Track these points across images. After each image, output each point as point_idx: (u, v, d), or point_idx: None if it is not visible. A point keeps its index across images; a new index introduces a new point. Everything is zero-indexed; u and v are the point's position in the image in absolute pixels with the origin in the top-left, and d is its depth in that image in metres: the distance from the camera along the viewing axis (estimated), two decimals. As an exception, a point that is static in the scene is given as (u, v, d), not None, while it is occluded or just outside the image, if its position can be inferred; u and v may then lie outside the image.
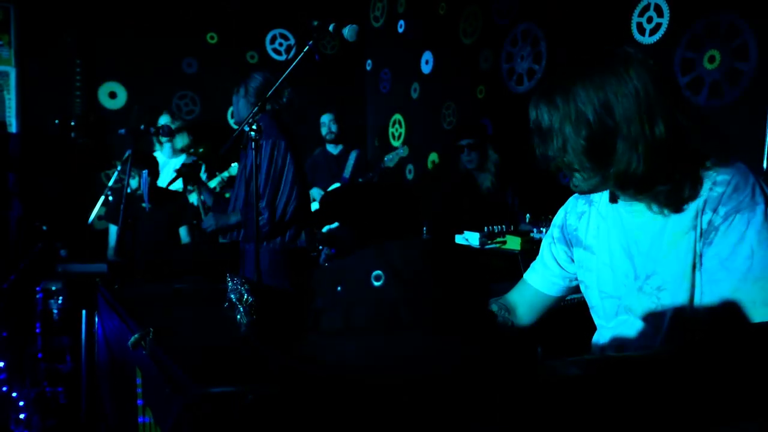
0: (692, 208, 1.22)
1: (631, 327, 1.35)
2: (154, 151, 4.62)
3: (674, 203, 1.22)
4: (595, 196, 1.43)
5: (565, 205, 1.55)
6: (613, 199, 1.36)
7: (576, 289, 1.56)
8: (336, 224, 4.24)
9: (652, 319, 1.30)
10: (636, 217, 1.31)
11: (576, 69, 1.22)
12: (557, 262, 1.54)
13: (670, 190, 1.20)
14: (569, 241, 1.50)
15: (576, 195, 1.50)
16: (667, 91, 1.17)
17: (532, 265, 1.63)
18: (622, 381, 0.91)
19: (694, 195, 1.21)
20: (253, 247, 3.01)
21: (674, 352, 1.14)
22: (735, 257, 1.17)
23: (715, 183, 1.20)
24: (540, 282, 1.58)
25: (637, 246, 1.31)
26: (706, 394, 0.95)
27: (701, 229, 1.21)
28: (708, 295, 1.22)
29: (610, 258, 1.37)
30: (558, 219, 1.54)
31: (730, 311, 1.16)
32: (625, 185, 1.22)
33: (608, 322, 1.42)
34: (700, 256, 1.22)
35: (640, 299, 1.31)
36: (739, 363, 0.99)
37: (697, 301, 1.23)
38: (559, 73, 1.25)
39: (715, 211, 1.19)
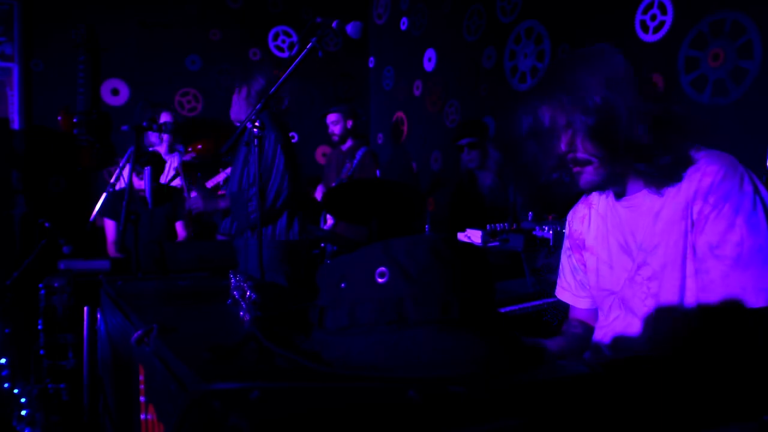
0: (683, 198, 1.24)
1: (623, 321, 1.37)
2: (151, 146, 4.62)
3: (669, 175, 1.24)
4: (594, 199, 1.47)
5: (568, 215, 1.58)
6: (618, 195, 1.37)
7: None
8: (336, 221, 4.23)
9: (641, 310, 1.32)
10: (633, 212, 1.34)
11: (564, 66, 1.28)
12: (579, 271, 1.55)
13: (668, 163, 1.23)
14: (579, 247, 1.53)
15: (578, 202, 1.54)
16: (645, 78, 1.24)
17: (557, 281, 1.64)
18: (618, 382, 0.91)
19: (685, 176, 1.23)
20: (244, 242, 3.04)
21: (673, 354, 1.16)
22: (725, 244, 1.18)
23: (705, 173, 1.22)
24: (571, 299, 1.60)
25: (633, 239, 1.34)
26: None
27: (692, 219, 1.23)
28: (698, 284, 1.23)
29: (609, 256, 1.40)
30: (566, 230, 1.58)
31: (720, 299, 1.17)
32: (632, 156, 1.23)
33: (606, 319, 1.44)
34: (692, 246, 1.23)
35: (633, 289, 1.34)
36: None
37: (685, 290, 1.25)
38: (550, 74, 1.30)
39: (705, 200, 1.21)
